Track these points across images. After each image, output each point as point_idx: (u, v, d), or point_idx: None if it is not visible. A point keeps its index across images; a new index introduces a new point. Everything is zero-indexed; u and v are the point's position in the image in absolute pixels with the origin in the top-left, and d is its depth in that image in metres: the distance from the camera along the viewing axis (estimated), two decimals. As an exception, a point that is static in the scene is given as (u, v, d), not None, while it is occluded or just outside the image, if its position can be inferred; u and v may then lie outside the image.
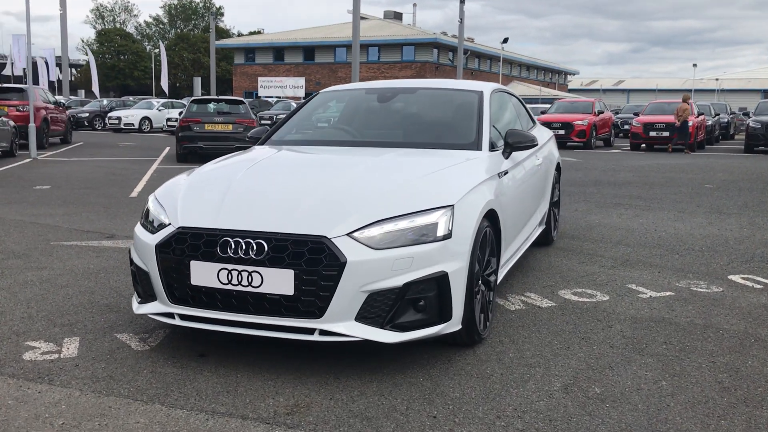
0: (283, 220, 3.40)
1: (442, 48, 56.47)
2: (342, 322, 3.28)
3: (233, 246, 3.34)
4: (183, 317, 3.54)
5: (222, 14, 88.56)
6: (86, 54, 68.53)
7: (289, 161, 4.59)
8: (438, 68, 55.23)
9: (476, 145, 4.54)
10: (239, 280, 3.32)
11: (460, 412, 3.06)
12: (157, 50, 67.93)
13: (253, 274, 3.29)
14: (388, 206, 3.46)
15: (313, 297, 3.25)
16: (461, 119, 4.90)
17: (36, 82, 44.87)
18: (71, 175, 12.86)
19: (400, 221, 3.39)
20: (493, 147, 4.62)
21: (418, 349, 3.75)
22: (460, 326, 3.57)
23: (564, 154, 12.47)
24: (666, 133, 21.24)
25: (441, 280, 3.40)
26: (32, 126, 16.71)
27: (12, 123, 16.54)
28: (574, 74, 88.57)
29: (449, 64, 56.35)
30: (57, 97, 26.64)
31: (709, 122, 24.33)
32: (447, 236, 3.44)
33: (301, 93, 46.21)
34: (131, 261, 3.86)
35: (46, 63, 50.76)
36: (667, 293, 4.99)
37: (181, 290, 3.48)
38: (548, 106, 28.53)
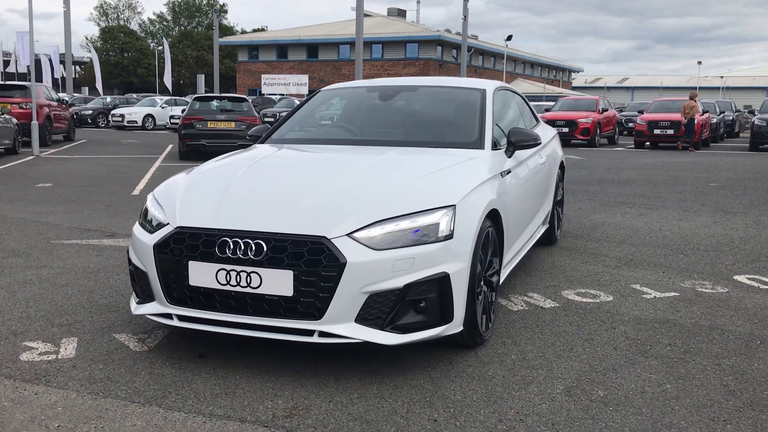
0: (282, 220, 3.36)
1: (446, 45, 56.37)
2: (342, 324, 3.23)
3: (232, 246, 3.30)
4: (181, 318, 3.50)
5: (226, 11, 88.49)
6: (90, 51, 68.62)
7: (289, 160, 4.54)
8: (442, 66, 55.13)
9: (479, 144, 4.49)
10: (238, 280, 3.27)
11: (461, 415, 3.02)
12: (160, 47, 68.01)
13: (251, 274, 3.25)
14: (388, 206, 3.41)
15: (312, 298, 3.21)
16: (463, 117, 4.85)
17: (40, 79, 44.97)
18: (73, 172, 12.85)
19: (401, 221, 3.34)
20: (495, 146, 4.57)
21: (419, 350, 3.71)
22: (461, 328, 3.52)
23: (568, 152, 12.39)
24: (671, 131, 21.14)
25: (442, 281, 3.35)
26: (35, 123, 16.71)
27: (15, 120, 16.54)
28: (578, 72, 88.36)
29: (453, 62, 56.25)
30: (60, 94, 26.65)
31: (714, 120, 24.22)
32: (448, 236, 3.39)
33: (305, 90, 46.17)
34: (129, 261, 3.82)
35: (50, 60, 50.87)
36: (672, 294, 4.94)
37: (180, 291, 3.44)
38: (552, 103, 28.48)
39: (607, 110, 23.94)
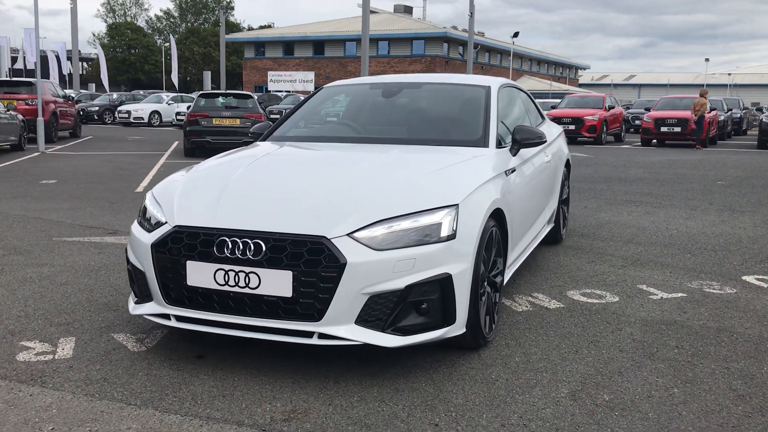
0: (281, 219, 3.29)
1: (452, 42, 56.22)
2: (342, 326, 3.17)
3: (230, 246, 3.24)
4: (179, 319, 3.45)
5: (232, 8, 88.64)
6: (96, 48, 68.76)
7: (289, 158, 4.48)
8: (448, 62, 54.99)
9: (483, 142, 4.42)
10: (236, 281, 3.22)
11: (463, 419, 2.95)
12: (167, 44, 68.00)
13: (250, 275, 3.19)
14: (390, 205, 3.34)
15: (311, 299, 3.15)
16: (468, 115, 4.78)
17: (47, 75, 45.04)
18: (78, 169, 12.82)
19: (402, 221, 3.27)
20: (500, 144, 4.49)
21: (420, 353, 3.64)
22: (464, 329, 3.45)
23: (574, 150, 12.31)
24: (678, 129, 20.98)
25: (445, 282, 3.28)
26: (40, 120, 16.69)
27: (21, 117, 16.53)
28: (584, 69, 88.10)
29: (459, 59, 56.09)
30: (66, 90, 26.65)
31: (722, 117, 24.04)
32: (451, 237, 3.32)
33: (311, 87, 46.18)
34: (127, 260, 3.77)
35: (57, 57, 50.93)
36: (679, 294, 4.86)
37: (177, 291, 3.39)
38: (558, 100, 28.34)
39: (613, 107, 23.80)
